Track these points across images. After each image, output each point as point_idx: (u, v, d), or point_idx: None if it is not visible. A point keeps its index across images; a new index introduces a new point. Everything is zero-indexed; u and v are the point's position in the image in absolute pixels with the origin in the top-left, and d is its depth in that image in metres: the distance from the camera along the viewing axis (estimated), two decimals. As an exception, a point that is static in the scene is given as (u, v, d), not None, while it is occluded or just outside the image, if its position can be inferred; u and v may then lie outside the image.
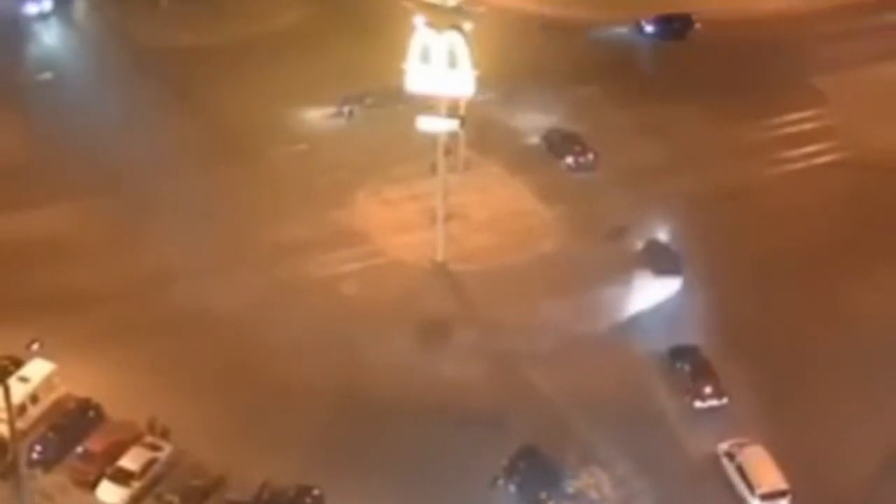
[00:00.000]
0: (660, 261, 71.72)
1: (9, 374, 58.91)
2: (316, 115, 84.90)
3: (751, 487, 57.70)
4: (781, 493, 57.51)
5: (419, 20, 68.45)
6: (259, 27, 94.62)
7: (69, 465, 59.02)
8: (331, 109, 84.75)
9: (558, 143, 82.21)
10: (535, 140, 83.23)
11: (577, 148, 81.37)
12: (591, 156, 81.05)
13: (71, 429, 60.09)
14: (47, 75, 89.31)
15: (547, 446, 59.47)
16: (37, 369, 61.55)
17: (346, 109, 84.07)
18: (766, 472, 58.00)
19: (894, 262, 71.87)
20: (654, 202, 76.63)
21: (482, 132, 79.06)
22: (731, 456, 59.32)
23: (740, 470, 58.48)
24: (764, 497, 57.43)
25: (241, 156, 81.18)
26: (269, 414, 61.59)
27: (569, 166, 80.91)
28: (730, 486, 58.69)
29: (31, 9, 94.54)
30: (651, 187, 77.85)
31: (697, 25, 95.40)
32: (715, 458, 59.81)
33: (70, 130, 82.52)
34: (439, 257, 72.41)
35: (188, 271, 70.19)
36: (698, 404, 62.65)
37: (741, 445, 59.55)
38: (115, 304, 67.21)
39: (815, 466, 58.76)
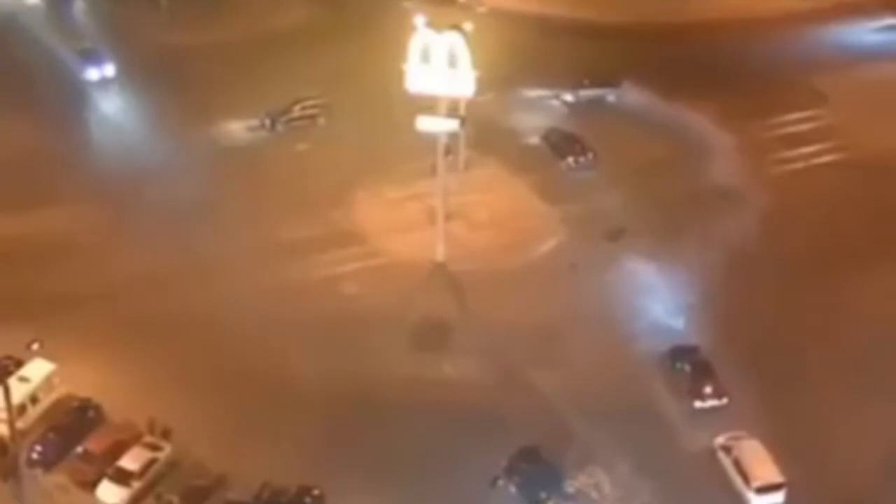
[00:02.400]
0: None
1: (9, 374, 58.92)
2: (238, 127, 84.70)
3: (746, 481, 57.85)
4: (777, 487, 57.65)
5: (419, 20, 68.54)
6: (259, 27, 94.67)
7: (69, 465, 58.95)
8: (253, 121, 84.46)
9: (558, 142, 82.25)
10: (535, 140, 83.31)
11: (577, 147, 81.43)
12: (590, 155, 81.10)
13: (71, 429, 60.05)
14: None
15: (547, 446, 59.52)
16: (37, 369, 61.51)
17: (267, 122, 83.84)
18: (762, 466, 58.17)
19: (894, 261, 71.92)
20: (655, 202, 76.77)
21: (482, 132, 79.12)
22: (727, 449, 59.46)
23: (736, 463, 58.64)
24: (759, 490, 57.55)
25: (241, 155, 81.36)
26: (270, 414, 61.56)
27: (569, 165, 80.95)
28: (727, 481, 58.75)
29: (93, 74, 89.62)
30: (651, 187, 77.95)
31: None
32: (714, 458, 59.84)
33: (70, 130, 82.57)
34: (439, 257, 72.40)
35: (188, 271, 70.19)
36: (698, 404, 62.66)
37: (737, 439, 59.73)
38: (115, 304, 67.20)
39: (816, 466, 58.78)
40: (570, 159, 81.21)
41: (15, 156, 78.94)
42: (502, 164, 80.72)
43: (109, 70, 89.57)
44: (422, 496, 57.79)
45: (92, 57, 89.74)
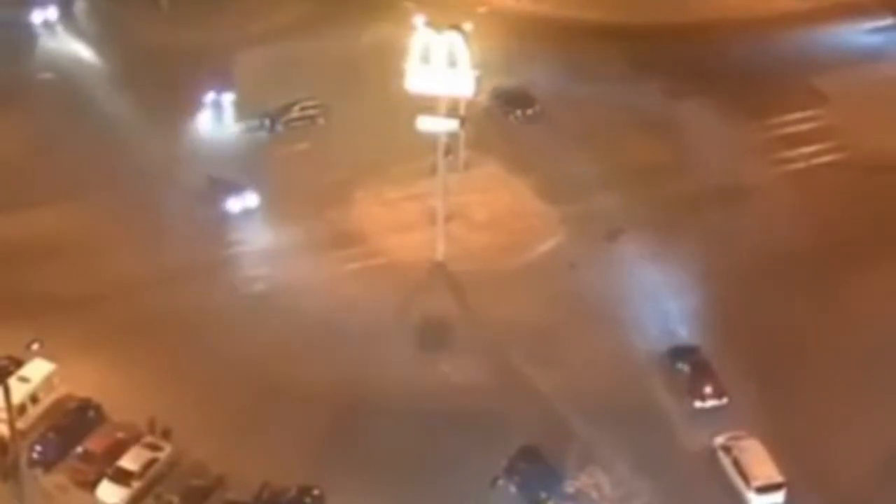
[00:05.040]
0: None
1: (9, 374, 58.93)
2: (238, 127, 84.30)
3: (746, 480, 57.92)
4: (777, 487, 57.72)
5: (419, 20, 68.55)
6: (259, 27, 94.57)
7: (69, 465, 59.03)
8: (252, 122, 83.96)
9: (506, 98, 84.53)
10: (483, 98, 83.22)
11: (524, 100, 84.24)
12: (537, 107, 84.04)
13: (71, 429, 60.12)
14: (48, 75, 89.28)
15: (547, 446, 59.52)
16: (37, 369, 61.55)
17: (266, 122, 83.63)
18: (762, 466, 58.25)
19: (894, 262, 71.91)
20: (655, 202, 76.76)
21: (482, 132, 79.08)
22: (727, 449, 59.49)
23: (736, 463, 58.70)
24: (759, 490, 57.60)
25: (241, 155, 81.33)
26: (270, 414, 61.63)
27: (517, 118, 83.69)
28: (727, 481, 58.77)
29: (235, 205, 75.68)
30: (652, 187, 77.93)
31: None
32: (714, 458, 59.86)
33: (70, 130, 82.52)
34: (439, 257, 72.40)
35: (189, 271, 70.20)
36: (698, 404, 62.67)
37: (737, 439, 59.81)
38: (115, 303, 67.26)
39: (816, 466, 58.83)
40: (518, 112, 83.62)
41: (15, 155, 78.99)
42: (502, 164, 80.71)
43: (252, 200, 76.17)
44: (422, 496, 57.83)
45: (227, 189, 76.43)
